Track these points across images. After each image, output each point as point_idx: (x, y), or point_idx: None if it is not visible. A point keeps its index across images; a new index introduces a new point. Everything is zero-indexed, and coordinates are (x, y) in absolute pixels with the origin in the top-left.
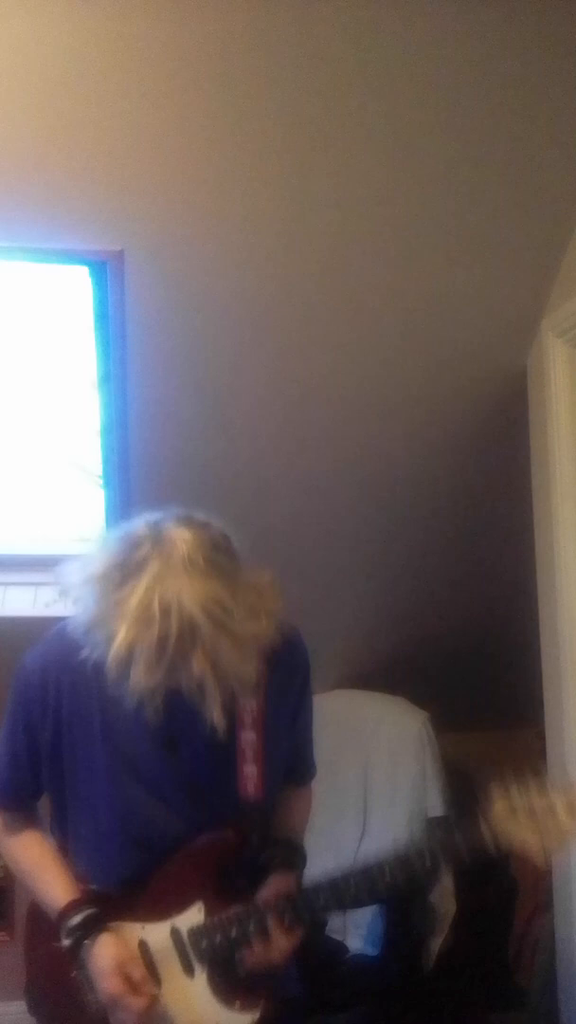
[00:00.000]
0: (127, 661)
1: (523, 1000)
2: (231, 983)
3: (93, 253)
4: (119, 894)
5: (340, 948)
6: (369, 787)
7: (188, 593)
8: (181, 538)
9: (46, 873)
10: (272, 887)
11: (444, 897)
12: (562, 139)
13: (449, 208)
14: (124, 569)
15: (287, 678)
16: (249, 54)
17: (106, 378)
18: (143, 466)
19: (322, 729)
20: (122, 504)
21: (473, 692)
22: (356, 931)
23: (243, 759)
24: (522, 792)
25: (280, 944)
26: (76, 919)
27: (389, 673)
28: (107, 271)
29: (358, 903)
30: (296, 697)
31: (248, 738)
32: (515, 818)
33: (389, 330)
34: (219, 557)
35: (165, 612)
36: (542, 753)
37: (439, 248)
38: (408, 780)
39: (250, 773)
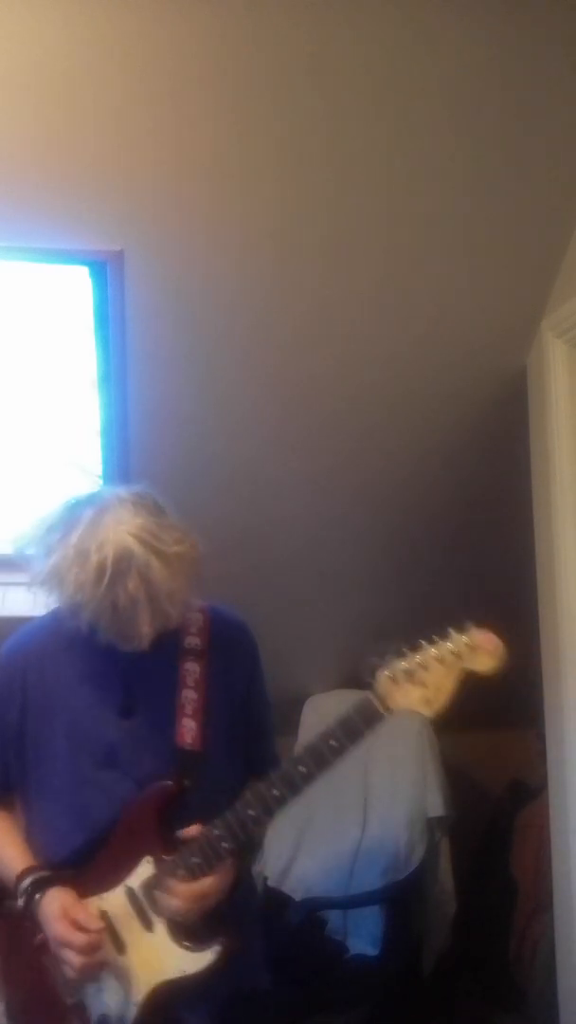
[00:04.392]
0: (76, 590)
1: (523, 1000)
2: (189, 926)
3: (93, 253)
4: (74, 873)
5: (340, 948)
6: (369, 787)
7: (119, 527)
8: (112, 493)
9: (8, 849)
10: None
11: (444, 897)
12: (563, 139)
13: (449, 208)
14: (67, 524)
15: (229, 653)
16: (249, 54)
17: (106, 378)
18: (143, 466)
19: (322, 729)
20: None
21: (473, 692)
22: (356, 931)
23: (183, 713)
24: (399, 658)
25: (222, 870)
26: (28, 880)
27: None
28: (107, 271)
29: (282, 803)
30: (244, 678)
31: (189, 696)
32: (396, 682)
33: (389, 330)
34: (145, 501)
35: (100, 546)
36: (542, 753)
37: (439, 248)
38: (408, 780)
39: (188, 725)
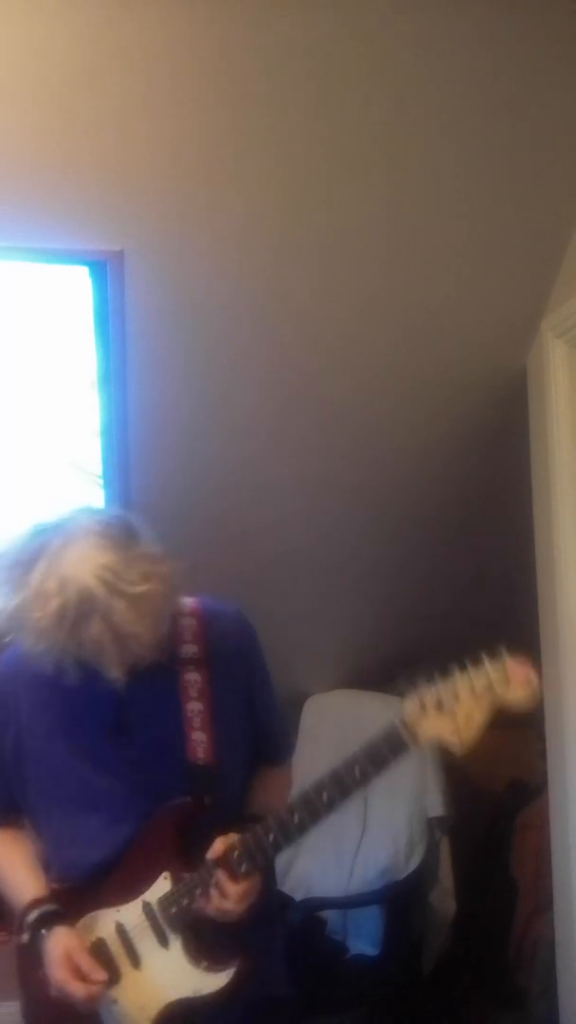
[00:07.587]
0: (37, 636)
1: (523, 1000)
2: (205, 946)
3: (93, 253)
4: (92, 885)
5: (340, 948)
6: (369, 787)
7: (82, 565)
8: (77, 522)
9: (16, 874)
10: (221, 839)
11: (444, 897)
12: (562, 139)
13: (449, 208)
14: (32, 555)
15: (229, 652)
16: (249, 55)
17: (106, 378)
18: (143, 466)
19: (322, 729)
20: (122, 504)
21: None
22: (356, 931)
23: (191, 727)
24: (430, 686)
25: (238, 892)
26: (33, 915)
27: (389, 673)
28: (107, 271)
29: (303, 831)
30: (245, 672)
31: (195, 708)
32: (425, 713)
33: (389, 330)
34: (111, 531)
35: (62, 585)
36: (542, 753)
37: (439, 248)
38: (408, 780)
39: (199, 739)
